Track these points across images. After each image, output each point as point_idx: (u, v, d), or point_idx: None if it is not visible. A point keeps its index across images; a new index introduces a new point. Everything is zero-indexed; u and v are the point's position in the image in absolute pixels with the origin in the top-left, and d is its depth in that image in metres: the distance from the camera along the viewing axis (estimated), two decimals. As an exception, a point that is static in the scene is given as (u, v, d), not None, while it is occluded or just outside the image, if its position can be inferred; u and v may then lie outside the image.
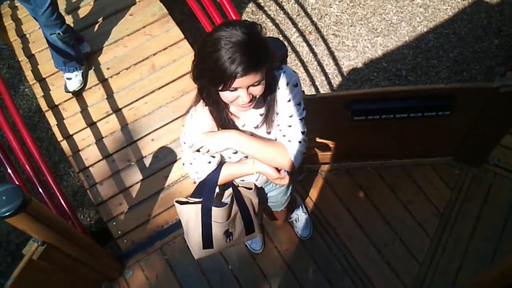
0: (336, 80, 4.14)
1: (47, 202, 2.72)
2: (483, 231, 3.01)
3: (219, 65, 1.45)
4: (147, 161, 3.40)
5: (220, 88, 1.51)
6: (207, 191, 1.93)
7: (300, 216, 3.06)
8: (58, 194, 2.86)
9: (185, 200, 2.00)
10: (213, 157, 1.84)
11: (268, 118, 1.77)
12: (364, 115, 2.66)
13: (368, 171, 3.25)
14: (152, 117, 3.55)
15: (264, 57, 1.51)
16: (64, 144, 3.50)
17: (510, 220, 3.02)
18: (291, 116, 1.78)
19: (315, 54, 4.27)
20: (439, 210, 3.09)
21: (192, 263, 3.03)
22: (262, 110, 1.76)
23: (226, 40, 1.45)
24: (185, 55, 3.77)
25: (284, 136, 1.82)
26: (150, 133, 3.50)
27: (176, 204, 2.00)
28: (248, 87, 1.53)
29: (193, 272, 3.01)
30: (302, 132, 1.81)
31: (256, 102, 1.65)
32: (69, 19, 3.96)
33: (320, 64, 4.23)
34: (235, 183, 2.02)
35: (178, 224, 3.15)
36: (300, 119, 1.80)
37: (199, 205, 1.96)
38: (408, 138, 2.96)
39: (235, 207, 2.02)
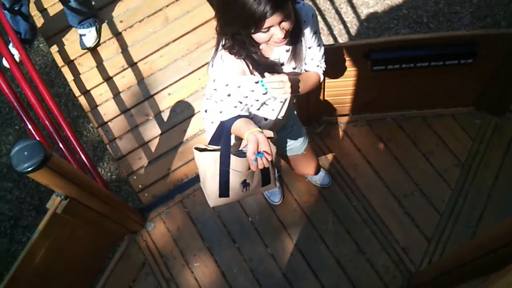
0: (355, 29, 4.03)
1: (68, 157, 2.74)
2: (505, 180, 2.98)
3: (247, 9, 1.47)
4: (165, 116, 3.39)
5: (252, 31, 1.54)
6: (224, 139, 1.91)
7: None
8: (78, 149, 2.88)
9: (203, 147, 1.98)
10: (240, 102, 1.84)
11: (296, 54, 1.82)
12: (383, 65, 2.60)
13: (388, 122, 3.21)
14: (167, 70, 3.52)
15: None
16: (82, 100, 3.50)
17: (532, 170, 2.98)
18: (319, 45, 1.91)
19: (332, 2, 4.16)
20: (460, 161, 3.06)
21: (213, 216, 3.07)
22: (287, 46, 1.79)
23: None
24: (198, 6, 3.69)
25: (316, 65, 1.98)
26: (166, 87, 3.48)
27: (194, 151, 1.97)
28: (280, 23, 1.55)
29: (213, 224, 3.06)
30: (323, 55, 1.98)
31: None
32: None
33: (338, 12, 4.11)
34: None
35: (197, 178, 3.16)
36: (323, 45, 1.94)
37: (218, 153, 1.94)
38: (428, 88, 2.90)
39: None
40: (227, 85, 1.78)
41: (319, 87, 2.77)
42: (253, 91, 1.81)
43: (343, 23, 4.07)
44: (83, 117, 3.86)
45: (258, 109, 1.96)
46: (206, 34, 3.59)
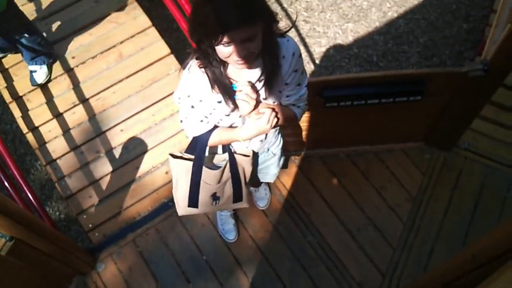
0: (308, 67, 4.11)
1: (13, 196, 2.64)
2: (454, 215, 3.06)
3: (212, 16, 1.41)
4: (117, 152, 3.32)
5: (214, 41, 1.48)
6: (199, 150, 1.92)
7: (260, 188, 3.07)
8: (25, 187, 2.77)
9: (179, 154, 1.97)
10: (206, 117, 1.83)
11: (268, 85, 1.74)
12: (336, 102, 2.65)
13: (341, 158, 3.26)
14: (120, 107, 3.47)
15: (259, 11, 1.47)
16: (30, 137, 3.39)
17: (481, 204, 3.08)
18: (299, 85, 1.84)
19: (285, 41, 4.24)
20: (411, 195, 3.13)
21: (167, 254, 2.99)
22: (258, 75, 1.72)
23: None
24: (153, 42, 3.69)
25: (292, 104, 1.90)
26: (119, 123, 3.42)
27: (169, 157, 1.98)
28: (242, 41, 1.48)
29: (167, 263, 2.97)
30: (306, 97, 1.91)
31: (255, 64, 1.65)
32: (31, 7, 3.83)
33: (291, 51, 4.20)
34: (231, 148, 2.00)
35: (151, 216, 3.10)
36: (305, 86, 1.88)
37: (191, 163, 1.95)
38: (380, 124, 2.97)
39: (227, 172, 2.00)
40: (189, 96, 1.77)
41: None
42: (215, 109, 1.78)
43: (296, 61, 4.15)
44: (31, 154, 3.74)
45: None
46: (161, 71, 3.58)
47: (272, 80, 1.73)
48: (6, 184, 2.65)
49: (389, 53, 4.12)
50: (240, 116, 1.82)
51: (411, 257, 2.95)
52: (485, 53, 2.91)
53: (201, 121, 1.84)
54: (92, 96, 3.51)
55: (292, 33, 4.25)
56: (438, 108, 2.83)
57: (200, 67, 1.67)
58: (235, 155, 2.00)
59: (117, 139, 3.37)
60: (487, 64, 2.42)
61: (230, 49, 1.49)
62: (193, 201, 2.04)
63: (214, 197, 2.04)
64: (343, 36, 4.24)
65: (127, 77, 3.57)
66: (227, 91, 1.71)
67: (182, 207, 2.09)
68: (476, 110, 2.88)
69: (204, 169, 1.95)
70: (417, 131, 3.15)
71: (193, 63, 1.70)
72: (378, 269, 2.93)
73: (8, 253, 2.17)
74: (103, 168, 3.28)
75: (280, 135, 2.20)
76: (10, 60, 3.60)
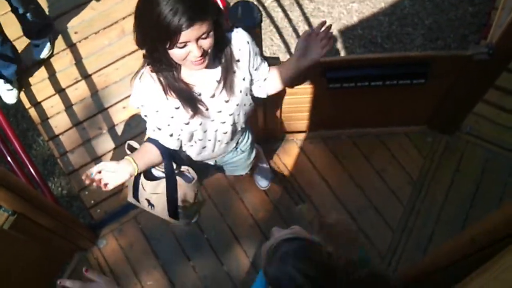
0: (311, 47, 4.09)
1: (16, 171, 2.64)
2: (455, 198, 3.06)
3: (161, 20, 1.38)
4: (119, 129, 3.32)
5: (167, 45, 1.45)
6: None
7: (260, 168, 3.06)
8: (27, 162, 2.77)
9: (135, 146, 1.93)
10: (169, 125, 1.78)
11: (227, 84, 1.71)
12: (339, 83, 2.63)
13: (343, 140, 3.25)
14: (123, 83, 3.45)
15: (207, 5, 1.45)
16: (32, 111, 3.39)
17: (481, 188, 3.08)
18: (258, 67, 1.83)
19: (290, 20, 4.20)
20: (412, 178, 3.13)
21: (167, 232, 3.01)
22: (218, 76, 1.69)
23: None
24: (157, 19, 3.65)
25: (259, 86, 1.89)
26: (121, 100, 3.41)
27: (126, 146, 1.92)
28: (197, 40, 1.46)
29: (168, 241, 3.00)
30: (268, 70, 1.89)
31: (211, 63, 1.62)
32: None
33: (295, 30, 4.16)
34: (180, 168, 1.96)
35: (151, 193, 3.11)
36: (264, 63, 1.87)
37: None
38: (383, 106, 2.96)
39: (163, 188, 1.92)
40: (142, 105, 1.74)
41: (278, 103, 2.78)
42: (173, 117, 1.74)
43: (300, 41, 4.12)
44: (33, 129, 3.73)
45: (189, 141, 1.89)
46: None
47: (231, 78, 1.71)
48: (9, 158, 2.65)
49: (394, 34, 4.08)
50: (200, 124, 1.78)
51: (410, 240, 2.97)
52: (491, 37, 2.89)
53: (171, 135, 1.80)
54: (95, 72, 3.50)
55: (296, 12, 4.21)
56: (442, 91, 2.81)
57: (152, 73, 1.63)
58: (178, 177, 1.92)
59: (119, 116, 3.36)
60: (492, 47, 2.40)
61: (186, 49, 1.47)
62: (134, 195, 2.00)
63: (149, 203, 1.99)
64: (348, 16, 4.20)
65: (129, 54, 3.55)
66: (185, 95, 1.67)
67: (130, 194, 2.04)
68: (480, 94, 2.87)
69: (142, 177, 1.90)
70: (420, 114, 3.14)
71: (145, 71, 1.66)
72: (378, 250, 2.95)
73: (10, 227, 2.19)
74: (105, 144, 3.28)
75: (248, 132, 2.17)
76: (13, 33, 3.57)
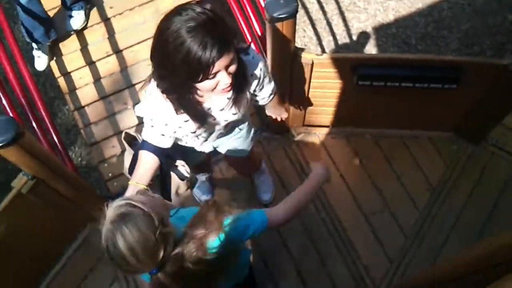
0: (343, 42, 4.04)
1: (40, 137, 2.68)
2: (472, 209, 3.00)
3: (192, 57, 1.38)
4: (144, 106, 3.34)
5: (199, 79, 1.45)
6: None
7: (262, 179, 3.03)
8: (51, 130, 2.81)
9: (133, 135, 2.06)
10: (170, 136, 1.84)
11: (237, 101, 1.75)
12: (369, 80, 2.60)
13: (366, 139, 3.21)
14: (152, 62, 3.46)
15: (229, 32, 1.46)
16: (61, 81, 3.44)
17: (501, 202, 3.00)
18: (264, 86, 1.90)
19: (324, 13, 4.16)
20: (432, 185, 3.07)
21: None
22: (229, 94, 1.70)
23: (187, 27, 1.38)
24: (190, 0, 3.65)
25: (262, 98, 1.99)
26: (149, 78, 3.42)
27: (123, 135, 2.06)
28: (227, 67, 1.47)
29: (180, 221, 3.01)
30: (272, 88, 1.98)
31: None
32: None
33: (329, 24, 4.12)
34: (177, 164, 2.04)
35: (169, 172, 3.13)
36: (270, 83, 1.94)
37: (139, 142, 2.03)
38: (410, 108, 2.91)
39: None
40: (151, 119, 1.77)
41: (304, 95, 2.76)
42: (180, 127, 1.78)
43: (333, 35, 4.08)
44: (60, 98, 3.78)
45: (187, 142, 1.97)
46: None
47: (242, 96, 1.75)
48: (34, 125, 2.69)
49: (429, 36, 4.01)
50: (205, 131, 1.84)
51: (422, 247, 2.92)
52: (529, 48, 2.81)
53: (163, 135, 1.82)
54: (126, 48, 3.52)
55: (332, 5, 4.17)
56: (473, 99, 2.75)
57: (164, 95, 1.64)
58: (172, 172, 2.02)
59: (146, 93, 3.38)
60: (530, 59, 2.34)
61: (215, 80, 1.48)
62: (131, 171, 2.03)
63: None
64: (384, 14, 4.14)
65: (161, 33, 3.55)
66: (196, 113, 1.70)
67: (125, 168, 2.11)
68: (511, 105, 2.80)
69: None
70: (447, 120, 3.07)
71: (153, 88, 1.66)
72: (387, 254, 2.91)
73: (29, 191, 2.24)
74: (129, 120, 3.31)
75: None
76: (50, 3, 3.61)
